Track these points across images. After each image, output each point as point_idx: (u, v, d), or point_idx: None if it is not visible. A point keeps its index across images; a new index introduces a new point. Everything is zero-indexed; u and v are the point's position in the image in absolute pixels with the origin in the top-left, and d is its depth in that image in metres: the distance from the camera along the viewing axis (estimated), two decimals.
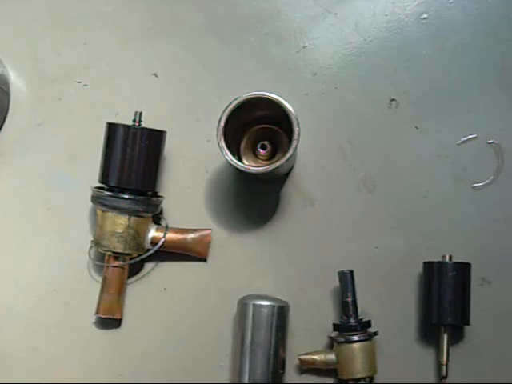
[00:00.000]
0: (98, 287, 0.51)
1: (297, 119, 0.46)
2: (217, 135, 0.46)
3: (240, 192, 0.54)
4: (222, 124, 0.46)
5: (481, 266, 0.51)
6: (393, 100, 0.53)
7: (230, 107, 0.47)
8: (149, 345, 0.52)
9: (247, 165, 0.47)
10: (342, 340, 0.48)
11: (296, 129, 0.45)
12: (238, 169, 0.46)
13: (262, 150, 0.49)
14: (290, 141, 0.45)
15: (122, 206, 0.49)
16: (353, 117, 0.54)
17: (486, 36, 0.54)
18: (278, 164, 0.45)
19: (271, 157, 0.50)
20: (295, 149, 0.46)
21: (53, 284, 0.53)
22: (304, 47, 0.55)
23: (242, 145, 0.50)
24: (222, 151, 0.46)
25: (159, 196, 0.52)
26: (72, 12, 0.56)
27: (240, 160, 0.47)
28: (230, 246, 0.53)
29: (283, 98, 0.47)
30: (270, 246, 0.53)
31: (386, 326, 0.50)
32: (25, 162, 0.55)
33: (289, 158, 0.45)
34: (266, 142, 0.49)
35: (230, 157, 0.46)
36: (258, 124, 0.50)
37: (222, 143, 0.46)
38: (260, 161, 0.48)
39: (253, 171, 0.46)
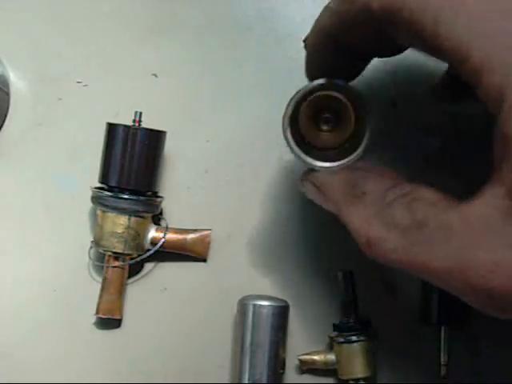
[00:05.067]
0: (98, 287, 0.51)
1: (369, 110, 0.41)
2: (283, 126, 0.41)
3: (240, 192, 0.54)
4: (289, 113, 0.41)
5: None
6: (394, 100, 0.53)
7: (297, 96, 0.42)
8: (149, 345, 0.52)
9: (319, 163, 0.41)
10: (342, 340, 0.48)
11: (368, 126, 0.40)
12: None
13: (324, 124, 0.43)
14: (357, 114, 0.41)
15: (122, 207, 0.49)
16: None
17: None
18: (353, 158, 0.40)
19: (334, 128, 0.43)
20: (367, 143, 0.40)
21: (53, 284, 0.53)
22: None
23: (301, 113, 0.42)
24: (289, 145, 0.41)
25: (159, 196, 0.52)
26: (72, 12, 0.56)
27: (299, 132, 0.42)
28: (229, 246, 0.53)
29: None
30: (270, 245, 0.53)
31: (386, 326, 0.50)
32: (25, 162, 0.55)
33: (364, 149, 0.40)
34: (328, 115, 0.43)
35: (300, 154, 0.41)
36: (318, 90, 0.43)
37: (289, 135, 0.41)
38: (322, 133, 0.43)
39: (326, 169, 0.41)
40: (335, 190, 0.39)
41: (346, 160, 0.40)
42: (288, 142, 0.41)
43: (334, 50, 0.40)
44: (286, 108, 0.42)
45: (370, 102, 0.41)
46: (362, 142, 0.40)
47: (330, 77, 0.42)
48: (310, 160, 0.41)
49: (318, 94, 0.42)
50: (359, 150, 0.40)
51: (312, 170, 0.41)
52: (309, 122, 0.43)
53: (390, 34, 0.36)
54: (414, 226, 0.34)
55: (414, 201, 0.34)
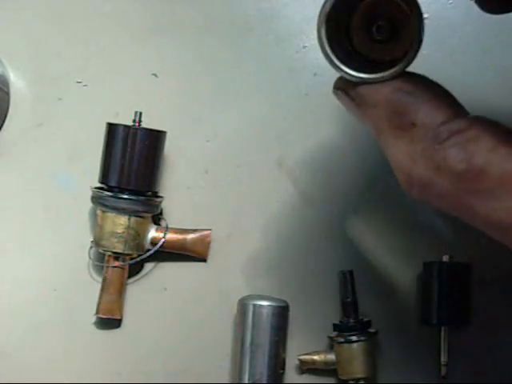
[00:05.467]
0: (98, 287, 0.51)
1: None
2: (318, 27, 0.35)
3: (240, 192, 0.54)
4: (327, 9, 0.34)
5: (481, 266, 0.51)
6: None
7: None
8: (149, 345, 0.52)
9: (357, 74, 0.34)
10: (342, 340, 0.48)
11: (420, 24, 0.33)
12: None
13: (377, 33, 0.36)
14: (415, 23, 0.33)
15: (122, 207, 0.49)
16: (353, 117, 0.53)
17: (486, 36, 0.54)
18: (389, 73, 0.33)
19: (389, 38, 0.36)
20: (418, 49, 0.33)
21: (53, 284, 0.53)
22: (304, 47, 0.55)
23: (353, 23, 0.36)
24: (323, 50, 0.35)
25: (159, 196, 0.52)
26: (72, 12, 0.56)
27: (350, 41, 0.36)
28: (229, 246, 0.53)
29: None
30: (270, 246, 0.53)
31: (386, 326, 0.50)
32: (25, 162, 0.55)
33: (407, 64, 0.33)
34: (382, 23, 0.36)
35: (336, 61, 0.34)
36: None
37: (324, 39, 0.35)
38: (376, 44, 0.37)
39: (369, 80, 0.33)
40: (379, 113, 0.32)
41: (392, 70, 0.33)
42: (320, 42, 0.35)
43: None
44: (324, 4, 0.34)
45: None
46: (413, 46, 0.33)
47: None
48: (345, 68, 0.34)
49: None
50: (409, 55, 0.33)
51: (349, 81, 0.34)
52: (362, 34, 0.36)
53: None
54: (471, 173, 0.29)
55: (472, 142, 0.29)
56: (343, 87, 0.35)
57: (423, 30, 0.33)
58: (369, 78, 0.33)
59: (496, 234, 0.30)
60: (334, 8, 0.34)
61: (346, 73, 0.34)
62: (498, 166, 0.28)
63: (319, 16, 0.34)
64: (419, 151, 0.30)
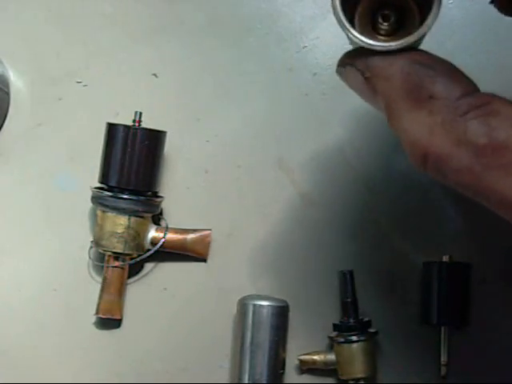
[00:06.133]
0: (98, 287, 0.51)
1: None
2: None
3: (240, 192, 0.54)
4: None
5: (481, 266, 0.51)
6: None
7: None
8: (149, 345, 0.52)
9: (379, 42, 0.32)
10: (342, 340, 0.48)
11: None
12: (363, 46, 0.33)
13: (383, 22, 0.35)
14: (421, 10, 0.33)
15: (122, 207, 0.49)
16: (353, 117, 0.54)
17: (485, 36, 0.54)
18: (406, 41, 0.31)
19: (393, 31, 0.35)
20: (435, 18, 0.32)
21: (53, 284, 0.53)
22: (304, 47, 0.55)
23: (358, 13, 0.35)
24: (337, 20, 0.32)
25: (159, 196, 0.52)
26: (72, 12, 0.56)
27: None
28: (229, 246, 0.53)
29: None
30: (270, 245, 0.53)
31: (386, 326, 0.50)
32: (25, 162, 0.55)
33: (425, 29, 0.32)
34: (388, 12, 0.35)
35: (353, 32, 0.32)
36: None
37: (338, 7, 0.32)
38: (379, 36, 0.35)
39: (379, 48, 0.32)
40: (393, 86, 0.31)
41: (408, 38, 0.31)
42: (335, 9, 0.32)
43: None
44: None
45: None
46: (431, 11, 0.32)
47: None
48: (360, 36, 0.32)
49: None
50: (428, 21, 0.32)
51: (360, 52, 0.33)
52: (366, 24, 0.35)
53: None
54: (492, 147, 0.28)
55: (492, 115, 0.28)
56: (351, 62, 0.33)
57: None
58: (385, 46, 0.31)
59: (509, 214, 0.29)
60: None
61: (363, 41, 0.32)
62: None
63: None
64: (439, 123, 0.29)
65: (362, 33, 0.33)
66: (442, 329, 0.49)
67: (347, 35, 0.32)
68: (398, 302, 0.51)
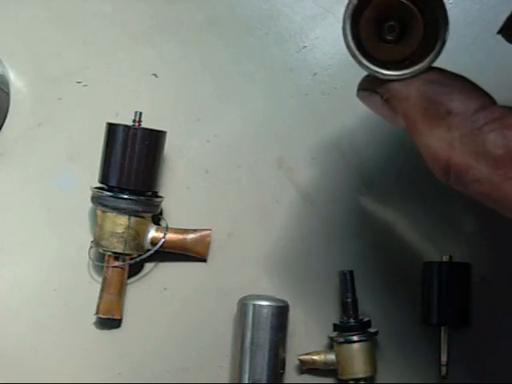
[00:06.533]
0: (98, 287, 0.51)
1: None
2: (344, 17, 0.34)
3: (240, 192, 0.54)
4: (355, 2, 0.34)
5: (481, 266, 0.51)
6: None
7: None
8: (149, 345, 0.52)
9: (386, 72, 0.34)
10: (342, 340, 0.48)
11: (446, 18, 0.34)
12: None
13: (388, 33, 0.37)
14: (425, 20, 0.35)
15: (122, 207, 0.49)
16: (353, 117, 0.54)
17: (485, 36, 0.54)
18: (419, 68, 0.33)
19: (398, 39, 0.37)
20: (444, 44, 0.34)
21: (53, 284, 0.53)
22: (304, 47, 0.55)
23: (362, 20, 0.36)
24: (347, 46, 0.34)
25: (159, 196, 0.52)
26: (72, 12, 0.56)
27: (359, 41, 0.36)
28: (229, 246, 0.53)
29: None
30: (270, 245, 0.53)
31: (386, 326, 0.50)
32: (25, 162, 0.55)
33: (436, 56, 0.34)
34: (393, 23, 0.37)
35: (366, 62, 0.34)
36: None
37: (348, 30, 0.34)
38: (385, 44, 0.37)
39: (394, 77, 0.34)
40: (412, 105, 0.32)
41: (421, 65, 0.33)
42: (347, 41, 0.35)
43: None
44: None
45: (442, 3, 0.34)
46: (439, 39, 0.34)
47: None
48: (374, 68, 0.34)
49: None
50: (437, 47, 0.34)
51: (377, 79, 0.34)
52: (371, 31, 0.36)
53: None
54: (510, 158, 0.30)
55: (509, 128, 0.30)
56: (370, 87, 0.35)
57: (448, 19, 0.33)
58: (400, 75, 0.33)
59: None
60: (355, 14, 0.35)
61: (377, 72, 0.34)
62: None
63: (345, 11, 0.34)
64: (457, 137, 0.31)
65: (368, 43, 0.35)
66: (442, 329, 0.49)
67: (362, 67, 0.34)
68: (398, 302, 0.51)
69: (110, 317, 0.51)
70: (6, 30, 0.56)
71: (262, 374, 0.48)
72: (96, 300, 0.51)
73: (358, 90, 0.36)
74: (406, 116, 0.33)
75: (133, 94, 0.55)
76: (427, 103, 0.32)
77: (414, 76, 0.33)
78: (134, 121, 0.50)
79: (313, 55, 0.55)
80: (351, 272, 0.49)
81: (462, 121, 0.31)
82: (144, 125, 0.50)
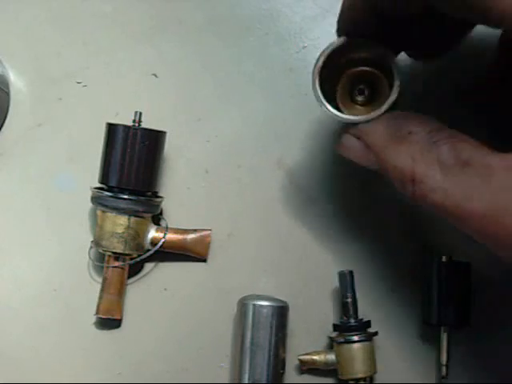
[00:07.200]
0: (98, 287, 0.51)
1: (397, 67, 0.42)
2: (312, 78, 0.43)
3: (240, 192, 0.54)
4: (320, 64, 0.43)
5: (481, 266, 0.51)
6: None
7: (330, 49, 0.43)
8: (149, 345, 0.52)
9: (346, 115, 0.43)
10: (342, 340, 0.48)
11: (397, 75, 0.42)
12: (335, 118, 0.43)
13: (359, 95, 0.45)
14: (391, 84, 0.42)
15: (122, 207, 0.49)
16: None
17: (486, 36, 0.54)
18: (378, 113, 0.41)
19: (369, 102, 0.45)
20: (398, 93, 0.41)
21: (53, 284, 0.53)
22: (304, 47, 0.55)
23: (339, 89, 0.45)
24: (317, 99, 0.43)
25: (159, 196, 0.52)
26: (72, 12, 0.56)
27: (336, 105, 0.44)
28: (230, 246, 0.53)
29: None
30: (270, 245, 0.53)
31: (386, 326, 0.50)
32: (25, 162, 0.55)
33: (392, 103, 0.41)
34: (363, 87, 0.45)
35: (327, 106, 0.42)
36: (355, 66, 0.45)
37: (317, 88, 0.43)
38: (357, 106, 0.45)
39: (353, 121, 0.42)
40: (379, 135, 0.39)
41: (382, 108, 0.41)
42: (316, 95, 0.43)
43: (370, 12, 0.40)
44: (316, 61, 0.43)
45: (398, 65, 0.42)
46: (394, 87, 0.41)
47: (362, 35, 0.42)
48: (345, 116, 0.42)
49: (355, 69, 0.45)
50: (393, 94, 0.41)
51: (350, 125, 0.42)
52: (344, 95, 0.45)
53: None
54: (458, 165, 0.35)
55: (460, 142, 0.36)
56: (349, 130, 0.42)
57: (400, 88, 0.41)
58: (370, 117, 0.41)
59: (472, 229, 0.36)
60: (320, 84, 0.43)
61: (347, 119, 0.42)
62: (479, 160, 0.35)
63: (313, 74, 0.43)
64: (418, 150, 0.37)
65: (343, 105, 0.44)
66: (442, 329, 0.49)
67: (328, 113, 0.42)
68: (398, 302, 0.51)
69: (109, 317, 0.51)
70: (6, 29, 0.56)
71: (262, 373, 0.48)
72: (96, 300, 0.51)
73: (336, 142, 0.43)
74: (375, 146, 0.39)
75: (133, 94, 0.55)
76: (391, 129, 0.39)
77: (377, 118, 0.41)
78: (134, 121, 0.50)
79: (313, 55, 0.54)
80: (351, 272, 0.49)
81: (420, 137, 0.37)
82: (144, 125, 0.50)
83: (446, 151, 0.36)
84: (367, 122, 0.41)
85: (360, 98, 0.45)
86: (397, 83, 0.41)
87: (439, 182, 0.35)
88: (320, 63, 0.43)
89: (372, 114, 0.41)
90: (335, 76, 0.45)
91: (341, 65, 0.45)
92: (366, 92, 0.45)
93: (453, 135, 0.36)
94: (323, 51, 0.43)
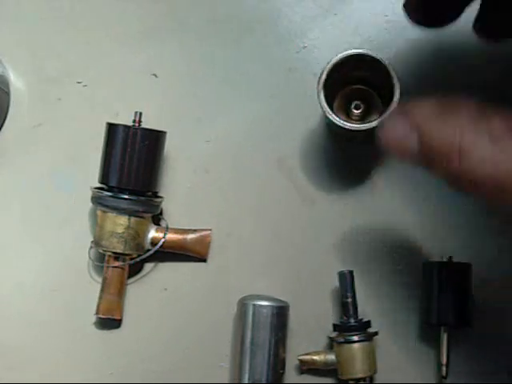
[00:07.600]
0: (98, 287, 0.51)
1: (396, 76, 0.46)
2: (317, 89, 0.47)
3: (240, 192, 0.54)
4: (324, 77, 0.47)
5: (481, 266, 0.51)
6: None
7: (333, 62, 0.47)
8: (149, 345, 0.52)
9: (345, 122, 0.47)
10: (342, 340, 0.48)
11: (396, 84, 0.46)
12: (338, 126, 0.47)
13: (355, 110, 0.50)
14: (384, 103, 0.47)
15: (122, 207, 0.49)
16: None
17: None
18: (378, 121, 0.46)
19: (363, 118, 0.51)
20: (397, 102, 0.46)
21: (53, 284, 0.53)
22: (304, 47, 0.55)
23: (335, 104, 0.51)
24: (322, 107, 0.47)
25: (159, 196, 0.52)
26: (72, 12, 0.56)
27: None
28: (230, 246, 0.53)
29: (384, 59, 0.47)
30: (270, 245, 0.53)
31: (386, 326, 0.50)
32: (25, 162, 0.55)
33: (398, 101, 0.46)
34: (359, 102, 0.50)
35: (332, 115, 0.47)
36: (352, 84, 0.51)
37: (322, 98, 0.47)
38: (352, 121, 0.50)
39: (356, 128, 0.47)
40: (426, 108, 0.37)
41: (391, 106, 0.45)
42: (322, 105, 0.47)
43: None
44: (320, 75, 0.47)
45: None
46: (394, 88, 0.46)
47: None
48: (349, 125, 0.47)
49: (351, 87, 0.51)
50: (396, 91, 0.45)
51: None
52: (340, 111, 0.51)
53: None
54: (510, 135, 0.33)
55: (509, 118, 0.34)
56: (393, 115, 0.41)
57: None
58: (374, 124, 0.46)
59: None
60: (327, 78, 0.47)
61: (348, 127, 0.47)
62: None
63: (317, 87, 0.47)
64: (466, 122, 0.35)
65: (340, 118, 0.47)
66: (442, 329, 0.49)
67: (332, 121, 0.47)
68: (398, 302, 0.51)
69: (109, 317, 0.51)
70: (5, 30, 0.56)
71: (262, 373, 0.48)
72: (96, 300, 0.51)
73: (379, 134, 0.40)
74: (422, 120, 0.37)
75: (133, 94, 0.55)
76: (440, 103, 0.37)
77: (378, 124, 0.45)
78: (134, 121, 0.50)
79: (313, 55, 0.55)
80: (351, 272, 0.49)
81: (469, 110, 0.35)
82: (144, 125, 0.50)
83: (497, 121, 0.34)
84: (376, 127, 0.44)
85: (356, 112, 0.50)
86: (397, 84, 0.45)
87: (489, 151, 0.33)
88: (324, 76, 0.47)
89: (382, 116, 0.45)
90: (331, 93, 0.49)
91: (337, 82, 0.49)
92: (362, 107, 0.50)
93: (502, 109, 0.35)
94: (325, 67, 0.47)
